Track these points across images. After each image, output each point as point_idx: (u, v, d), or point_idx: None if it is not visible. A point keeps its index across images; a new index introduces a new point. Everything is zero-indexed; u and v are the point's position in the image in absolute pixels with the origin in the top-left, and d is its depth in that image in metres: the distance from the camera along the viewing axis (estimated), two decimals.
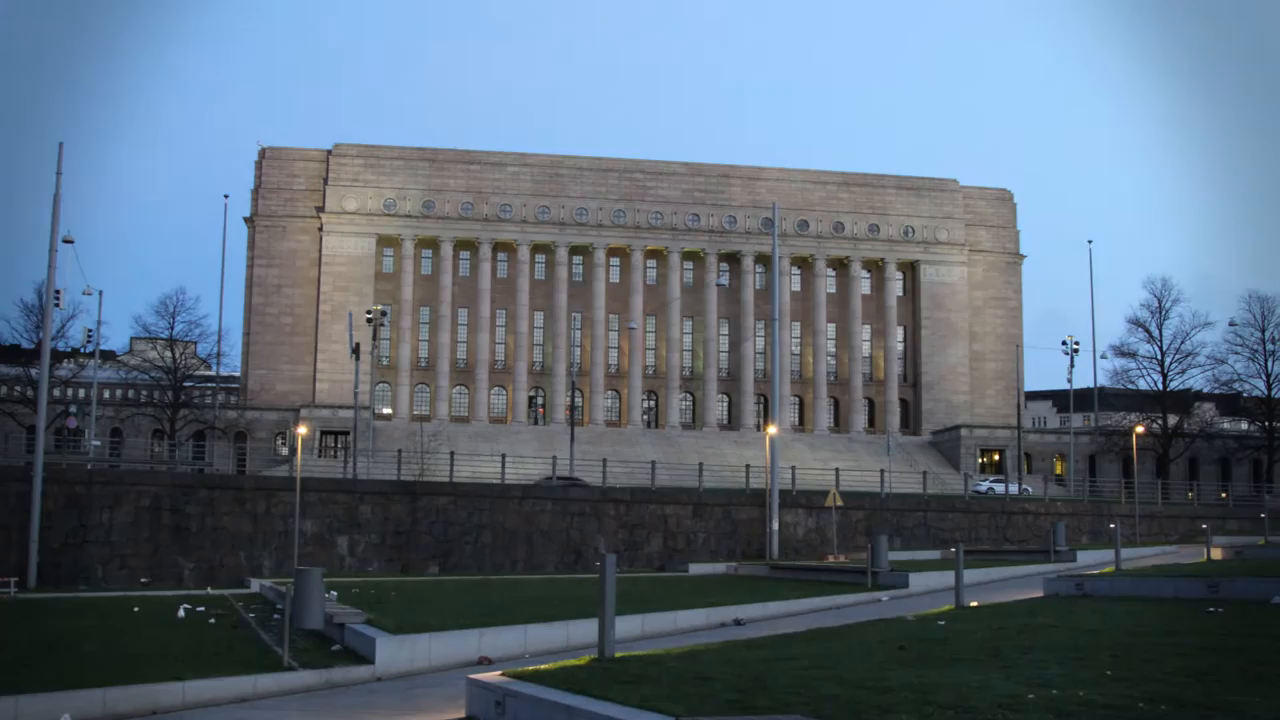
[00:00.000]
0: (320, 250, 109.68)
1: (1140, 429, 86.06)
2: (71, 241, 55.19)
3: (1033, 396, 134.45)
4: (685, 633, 28.31)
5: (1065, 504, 66.63)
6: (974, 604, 28.18)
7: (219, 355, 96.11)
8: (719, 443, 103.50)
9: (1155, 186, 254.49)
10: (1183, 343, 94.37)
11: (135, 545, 46.51)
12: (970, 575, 33.28)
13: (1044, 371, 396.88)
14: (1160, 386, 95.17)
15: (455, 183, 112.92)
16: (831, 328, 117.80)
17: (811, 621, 27.87)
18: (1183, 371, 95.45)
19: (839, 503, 53.16)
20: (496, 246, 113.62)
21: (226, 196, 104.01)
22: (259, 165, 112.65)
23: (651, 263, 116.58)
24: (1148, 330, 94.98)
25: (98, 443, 77.31)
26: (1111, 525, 49.79)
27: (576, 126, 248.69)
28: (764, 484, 55.05)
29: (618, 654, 17.66)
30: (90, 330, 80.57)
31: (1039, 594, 30.73)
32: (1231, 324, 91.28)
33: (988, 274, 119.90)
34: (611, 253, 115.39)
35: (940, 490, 74.19)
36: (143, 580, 45.20)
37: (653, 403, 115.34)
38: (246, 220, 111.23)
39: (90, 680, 19.51)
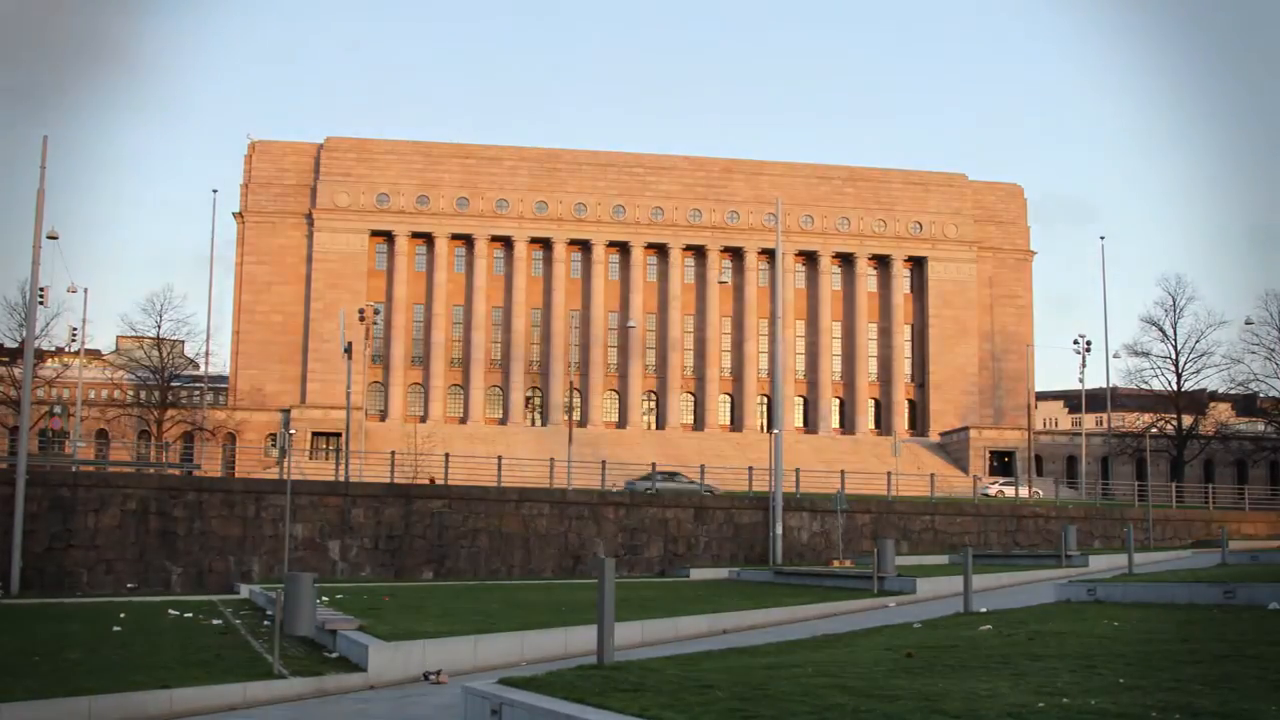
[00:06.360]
0: (311, 246, 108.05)
1: (1154, 430, 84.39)
2: (56, 237, 54.09)
3: (1044, 397, 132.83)
4: (686, 639, 27.32)
5: (1077, 507, 65.31)
6: (983, 610, 26.98)
7: (207, 354, 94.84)
8: (721, 444, 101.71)
9: (1169, 182, 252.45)
10: (1197, 342, 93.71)
11: (121, 549, 45.41)
12: (979, 580, 31.82)
13: (1055, 371, 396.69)
14: (1174, 387, 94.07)
15: (450, 177, 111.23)
16: (837, 326, 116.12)
17: (816, 628, 26.84)
18: (1197, 371, 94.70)
19: (845, 506, 51.69)
20: (492, 242, 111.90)
21: (215, 191, 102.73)
22: (248, 159, 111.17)
23: (652, 259, 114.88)
24: (1161, 329, 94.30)
25: (83, 444, 75.97)
26: (1124, 529, 48.27)
27: (575, 119, 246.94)
28: (767, 487, 53.61)
29: (617, 661, 17.11)
30: (75, 328, 79.90)
31: (1050, 600, 29.69)
32: (1248, 322, 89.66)
33: (998, 271, 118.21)
34: (611, 249, 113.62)
35: (948, 493, 72.73)
36: (129, 585, 44.12)
37: (653, 403, 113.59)
38: (236, 216, 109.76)
39: (75, 688, 18.82)
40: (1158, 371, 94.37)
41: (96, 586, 44.06)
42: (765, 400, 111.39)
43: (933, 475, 65.72)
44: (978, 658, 16.84)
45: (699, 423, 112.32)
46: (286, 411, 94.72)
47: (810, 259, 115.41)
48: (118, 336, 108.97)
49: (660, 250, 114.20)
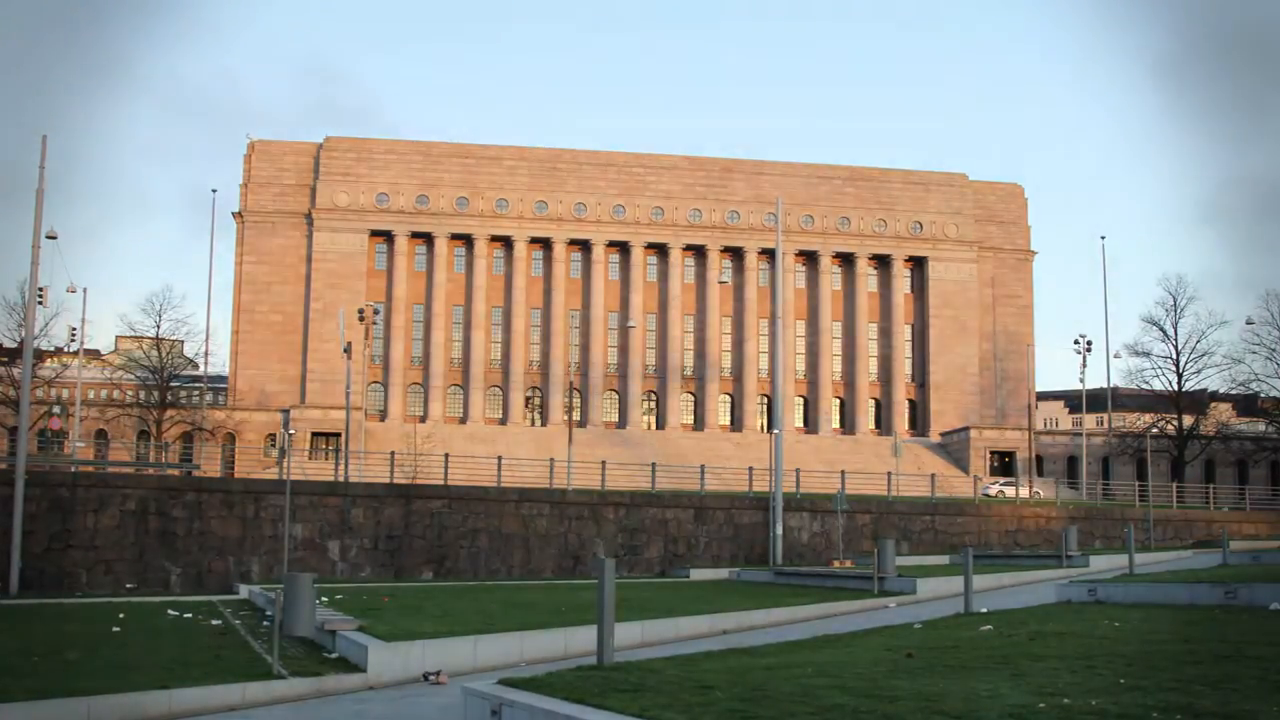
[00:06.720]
0: (311, 246, 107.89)
1: (1154, 430, 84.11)
2: (55, 237, 53.81)
3: (1044, 397, 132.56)
4: (686, 639, 27.30)
5: (1077, 507, 65.06)
6: (984, 610, 27.03)
7: (207, 354, 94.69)
8: (721, 444, 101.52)
9: (1170, 181, 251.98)
10: (1198, 342, 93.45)
11: (120, 550, 45.28)
12: (980, 581, 31.78)
13: (1056, 371, 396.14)
14: (1175, 387, 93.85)
15: (450, 177, 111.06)
16: (837, 326, 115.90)
17: (816, 628, 26.93)
18: (1198, 371, 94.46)
19: (845, 506, 51.51)
20: (492, 242, 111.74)
21: (214, 191, 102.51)
22: (248, 159, 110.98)
23: (652, 259, 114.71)
24: (1162, 329, 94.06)
25: (82, 444, 75.80)
26: (1125, 529, 48.13)
27: (575, 119, 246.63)
28: (767, 487, 53.42)
29: (617, 661, 17.21)
30: (74, 329, 79.65)
31: (1051, 600, 29.81)
32: (1249, 322, 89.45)
33: (998, 271, 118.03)
34: (611, 249, 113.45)
35: (949, 493, 72.53)
36: (128, 586, 44.02)
37: (653, 403, 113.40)
38: (235, 216, 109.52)
39: (74, 689, 18.76)
40: (1158, 371, 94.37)
41: (96, 587, 43.89)
42: (765, 400, 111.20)
43: (933, 475, 65.56)
44: (978, 658, 16.87)
45: (699, 423, 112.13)
46: (286, 411, 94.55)
47: (810, 259, 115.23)
48: (117, 336, 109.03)
49: (660, 250, 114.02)
